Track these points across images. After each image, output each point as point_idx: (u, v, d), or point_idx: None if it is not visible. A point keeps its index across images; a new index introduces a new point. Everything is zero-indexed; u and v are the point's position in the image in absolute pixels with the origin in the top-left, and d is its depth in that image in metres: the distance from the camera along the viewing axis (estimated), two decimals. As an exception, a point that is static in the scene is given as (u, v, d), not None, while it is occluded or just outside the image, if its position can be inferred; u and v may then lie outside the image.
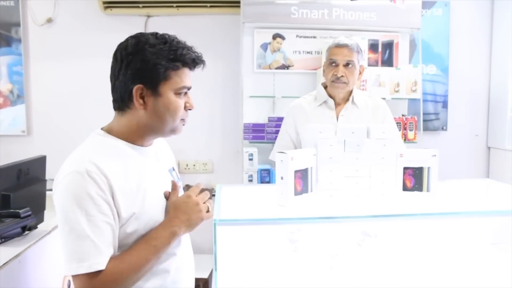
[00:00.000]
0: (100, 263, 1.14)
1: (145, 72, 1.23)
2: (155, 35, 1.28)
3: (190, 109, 1.32)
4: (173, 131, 1.32)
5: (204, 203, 1.36)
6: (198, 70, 1.35)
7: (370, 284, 1.64)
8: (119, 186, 1.20)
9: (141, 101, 1.25)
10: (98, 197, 1.15)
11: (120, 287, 1.17)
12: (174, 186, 1.37)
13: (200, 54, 1.30)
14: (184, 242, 1.40)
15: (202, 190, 1.40)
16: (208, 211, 1.35)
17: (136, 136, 1.30)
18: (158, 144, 1.45)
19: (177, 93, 1.27)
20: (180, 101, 1.28)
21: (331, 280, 1.64)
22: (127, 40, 1.28)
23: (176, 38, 1.28)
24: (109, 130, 1.30)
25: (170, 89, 1.26)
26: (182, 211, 1.30)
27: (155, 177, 1.34)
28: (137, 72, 1.23)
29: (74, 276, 1.14)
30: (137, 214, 1.23)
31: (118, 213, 1.19)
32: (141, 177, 1.27)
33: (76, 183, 1.15)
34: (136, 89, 1.24)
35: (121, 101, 1.27)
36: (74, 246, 1.13)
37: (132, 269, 1.19)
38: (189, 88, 1.30)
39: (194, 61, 1.28)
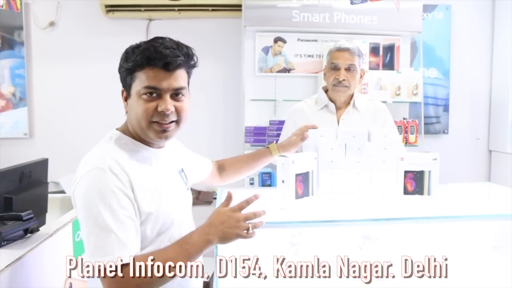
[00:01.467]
0: (124, 257, 1.13)
1: (120, 75, 1.29)
2: (152, 38, 1.28)
3: (163, 111, 1.23)
4: (150, 134, 1.27)
5: (248, 222, 1.29)
6: (200, 73, 1.35)
7: (369, 286, 1.64)
8: (138, 184, 1.22)
9: (125, 103, 1.30)
10: (120, 193, 1.17)
11: (145, 285, 1.16)
12: (228, 196, 1.34)
13: (172, 53, 1.22)
14: None
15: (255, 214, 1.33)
16: (248, 232, 1.29)
17: (139, 138, 1.31)
18: (171, 145, 1.47)
19: (143, 94, 1.23)
20: (144, 102, 1.23)
21: (332, 283, 1.64)
22: None
23: (160, 38, 1.26)
24: (123, 131, 1.33)
25: (135, 90, 1.25)
26: (221, 221, 1.26)
27: (169, 178, 1.36)
28: (120, 76, 1.30)
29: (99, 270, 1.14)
30: (155, 214, 1.25)
31: (138, 209, 1.21)
32: (157, 178, 1.29)
33: (99, 178, 1.16)
34: (121, 92, 1.30)
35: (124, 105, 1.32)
36: (98, 241, 1.13)
37: (159, 268, 1.16)
38: (155, 88, 1.23)
39: (149, 59, 1.21)
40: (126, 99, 1.30)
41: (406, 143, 3.35)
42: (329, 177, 1.80)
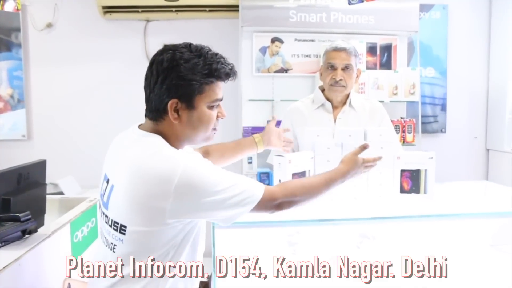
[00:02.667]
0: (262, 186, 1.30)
1: (180, 87, 1.26)
2: (189, 47, 1.31)
3: (222, 118, 1.38)
4: (206, 140, 1.38)
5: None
6: None
7: (369, 286, 1.64)
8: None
9: (175, 114, 1.28)
10: (213, 169, 1.28)
11: (291, 195, 1.36)
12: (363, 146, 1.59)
13: (232, 66, 1.34)
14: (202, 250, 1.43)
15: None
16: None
17: (172, 143, 1.32)
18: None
19: (211, 106, 1.32)
20: (213, 113, 1.34)
21: (330, 282, 1.64)
22: (162, 53, 1.30)
23: (210, 50, 1.33)
24: (157, 133, 1.33)
25: (204, 103, 1.30)
26: (355, 165, 1.55)
27: None
28: (172, 87, 1.26)
29: (259, 202, 1.28)
30: (199, 226, 1.34)
31: None
32: None
33: (194, 159, 1.26)
34: (171, 103, 1.27)
35: (156, 112, 1.30)
36: (242, 187, 1.26)
37: (304, 185, 1.41)
38: (221, 100, 1.35)
39: (228, 75, 1.33)
40: (178, 109, 1.28)
41: (403, 142, 3.36)
42: (326, 176, 1.80)
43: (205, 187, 1.21)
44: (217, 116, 1.36)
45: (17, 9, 2.60)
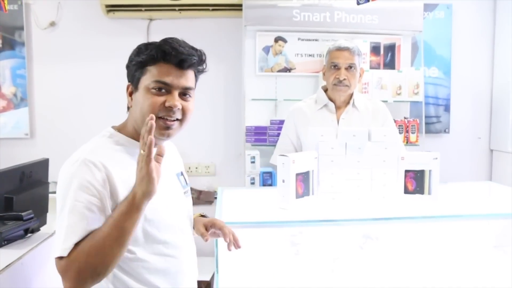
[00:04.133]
0: (63, 249, 1.11)
1: (129, 69, 1.29)
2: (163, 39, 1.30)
3: (169, 107, 1.24)
4: (155, 129, 1.21)
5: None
6: (202, 74, 1.35)
7: (372, 287, 1.64)
8: (123, 182, 1.19)
9: (129, 98, 1.30)
10: (89, 185, 1.15)
11: (84, 268, 1.11)
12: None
13: (181, 49, 1.24)
14: (186, 246, 1.39)
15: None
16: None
17: (135, 133, 1.29)
18: (168, 148, 1.44)
19: (152, 88, 1.24)
20: (155, 97, 1.23)
21: (333, 283, 1.64)
22: None
23: (177, 39, 1.28)
24: (119, 129, 1.32)
25: (144, 84, 1.25)
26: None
27: (164, 179, 1.27)
28: (127, 71, 1.30)
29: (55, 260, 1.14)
30: (145, 215, 1.21)
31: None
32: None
33: (72, 171, 1.17)
34: (127, 87, 1.30)
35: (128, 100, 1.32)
36: (58, 230, 1.15)
37: (92, 247, 1.12)
38: (166, 84, 1.24)
39: (166, 54, 1.23)
40: (131, 93, 1.30)
41: (407, 142, 3.35)
42: (329, 176, 1.80)
43: (60, 191, 1.17)
44: (166, 104, 1.23)
45: (5, 10, 2.57)
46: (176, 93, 1.25)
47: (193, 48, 1.29)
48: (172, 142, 1.42)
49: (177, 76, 1.25)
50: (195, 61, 1.27)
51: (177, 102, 1.25)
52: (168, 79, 1.24)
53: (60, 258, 1.12)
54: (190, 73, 1.29)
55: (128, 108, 1.33)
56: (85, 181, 1.15)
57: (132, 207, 1.14)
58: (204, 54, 1.32)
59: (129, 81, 1.30)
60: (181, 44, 1.26)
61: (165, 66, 1.24)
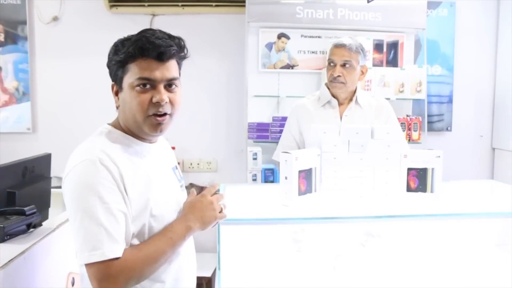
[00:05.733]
0: (114, 251, 1.12)
1: (110, 69, 1.28)
2: (140, 31, 1.27)
3: (158, 102, 1.22)
4: (145, 127, 1.25)
5: (218, 204, 1.36)
6: (203, 69, 1.35)
7: (373, 284, 1.64)
8: (129, 177, 1.20)
9: (116, 98, 1.29)
10: (111, 185, 1.16)
11: (136, 277, 1.16)
12: (200, 189, 1.40)
13: (165, 43, 1.22)
14: (187, 241, 1.40)
15: (216, 193, 1.40)
16: (221, 212, 1.36)
17: (130, 132, 1.30)
18: (163, 142, 1.46)
19: (136, 86, 1.22)
20: (141, 95, 1.22)
21: (334, 280, 1.64)
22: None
23: (150, 30, 1.25)
24: (114, 126, 1.32)
25: (128, 83, 1.23)
26: (197, 208, 1.32)
27: (161, 173, 1.34)
28: (109, 70, 1.28)
29: (88, 265, 1.12)
30: (145, 209, 1.23)
31: (130, 203, 1.20)
32: (148, 173, 1.27)
33: (90, 171, 1.15)
34: (112, 87, 1.29)
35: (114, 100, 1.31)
36: (86, 234, 1.12)
37: (148, 258, 1.18)
38: (150, 80, 1.22)
39: (143, 49, 1.20)
40: (117, 93, 1.28)
41: (409, 140, 3.34)
42: (332, 173, 1.80)
43: (83, 192, 1.14)
44: (153, 100, 1.22)
45: None
46: (161, 87, 1.23)
47: (170, 36, 1.26)
48: (173, 137, 1.42)
49: (159, 70, 1.22)
50: (174, 51, 1.24)
51: (164, 95, 1.23)
52: (150, 75, 1.21)
53: (102, 261, 1.11)
54: (172, 63, 1.26)
55: (117, 107, 1.31)
56: (106, 181, 1.15)
57: (188, 235, 1.28)
58: (183, 40, 1.29)
59: (112, 81, 1.28)
60: (158, 35, 1.23)
61: (145, 62, 1.21)
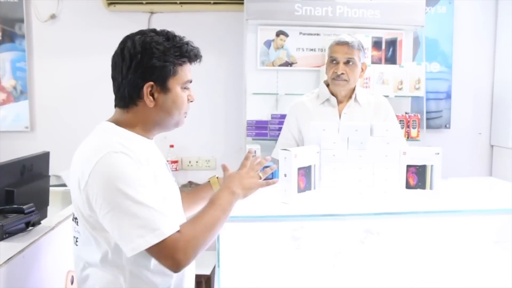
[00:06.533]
0: (170, 226, 1.17)
1: (155, 69, 1.26)
2: (155, 31, 1.31)
3: (191, 101, 1.37)
4: (177, 124, 1.37)
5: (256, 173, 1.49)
6: (202, 67, 1.39)
7: (373, 282, 1.64)
8: (148, 169, 1.24)
9: (151, 98, 1.28)
10: (141, 168, 1.20)
11: (198, 248, 1.21)
12: (224, 167, 1.54)
13: (198, 48, 1.35)
14: None
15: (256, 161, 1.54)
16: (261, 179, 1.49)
17: (142, 130, 1.32)
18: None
19: (183, 88, 1.32)
20: (185, 95, 1.34)
21: (334, 277, 1.64)
22: (131, 39, 1.30)
23: (174, 33, 1.33)
24: (118, 123, 1.32)
25: (177, 84, 1.30)
26: (236, 178, 1.44)
27: (162, 168, 1.37)
28: (147, 70, 1.26)
29: (151, 249, 1.15)
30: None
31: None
32: (154, 166, 1.30)
33: (118, 161, 1.18)
34: (147, 87, 1.27)
35: (129, 99, 1.29)
36: (138, 220, 1.14)
37: (206, 228, 1.24)
38: (191, 81, 1.36)
39: (196, 56, 1.34)
40: (153, 93, 1.28)
41: (408, 137, 3.34)
42: (331, 171, 1.80)
43: (119, 181, 1.16)
44: (188, 99, 1.36)
45: None
46: (190, 87, 1.37)
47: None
48: (171, 135, 1.45)
49: (191, 71, 1.36)
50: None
51: None
52: (191, 77, 1.35)
53: (158, 243, 1.14)
54: None
55: (125, 105, 1.31)
56: (136, 167, 1.19)
57: (234, 201, 1.37)
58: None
59: (148, 80, 1.27)
60: (189, 41, 1.34)
61: (188, 65, 1.34)
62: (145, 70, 1.26)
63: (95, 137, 1.29)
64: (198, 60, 1.35)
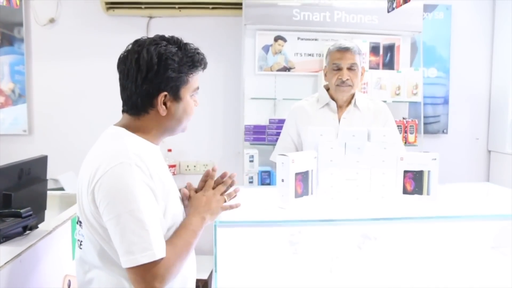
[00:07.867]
0: (161, 251, 1.18)
1: (171, 80, 1.28)
2: (167, 40, 1.31)
3: (196, 106, 1.40)
4: (184, 129, 1.41)
5: (221, 195, 1.44)
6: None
7: (370, 287, 1.64)
8: (157, 176, 1.25)
9: (164, 107, 1.29)
10: (148, 188, 1.20)
11: (175, 273, 1.23)
12: (189, 186, 1.47)
13: (204, 54, 1.37)
14: None
15: (220, 182, 1.48)
16: (225, 201, 1.45)
17: (151, 137, 1.33)
18: None
19: (191, 95, 1.36)
20: (192, 102, 1.37)
21: (331, 282, 1.64)
22: (145, 48, 1.28)
23: (184, 41, 1.34)
24: (129, 129, 1.32)
25: (189, 93, 1.34)
26: (204, 201, 1.40)
27: (168, 173, 1.39)
28: (163, 81, 1.27)
29: (135, 267, 1.15)
30: (168, 208, 1.28)
31: (160, 199, 1.25)
32: (163, 172, 1.31)
33: (129, 174, 1.18)
34: (161, 97, 1.28)
35: (142, 107, 1.30)
36: (134, 237, 1.15)
37: (181, 253, 1.25)
38: (198, 88, 1.39)
39: (205, 65, 1.36)
40: (166, 102, 1.30)
41: (405, 142, 3.35)
42: (328, 176, 1.80)
43: (126, 194, 1.17)
44: (195, 105, 1.40)
45: (17, 5, 2.55)
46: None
47: None
48: (169, 140, 1.45)
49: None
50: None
51: None
52: (198, 84, 1.38)
53: (146, 264, 1.15)
54: None
55: (136, 113, 1.31)
56: (144, 184, 1.19)
57: (203, 226, 1.35)
58: None
59: (162, 90, 1.28)
60: (197, 48, 1.36)
61: (198, 74, 1.36)
62: (162, 81, 1.27)
63: (108, 141, 1.29)
64: (205, 67, 1.38)
